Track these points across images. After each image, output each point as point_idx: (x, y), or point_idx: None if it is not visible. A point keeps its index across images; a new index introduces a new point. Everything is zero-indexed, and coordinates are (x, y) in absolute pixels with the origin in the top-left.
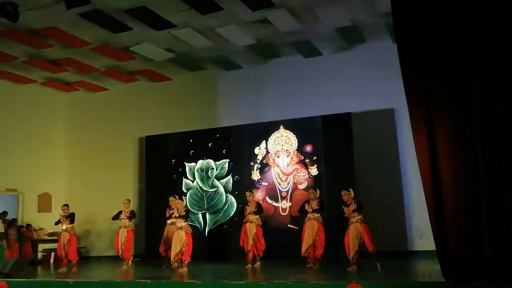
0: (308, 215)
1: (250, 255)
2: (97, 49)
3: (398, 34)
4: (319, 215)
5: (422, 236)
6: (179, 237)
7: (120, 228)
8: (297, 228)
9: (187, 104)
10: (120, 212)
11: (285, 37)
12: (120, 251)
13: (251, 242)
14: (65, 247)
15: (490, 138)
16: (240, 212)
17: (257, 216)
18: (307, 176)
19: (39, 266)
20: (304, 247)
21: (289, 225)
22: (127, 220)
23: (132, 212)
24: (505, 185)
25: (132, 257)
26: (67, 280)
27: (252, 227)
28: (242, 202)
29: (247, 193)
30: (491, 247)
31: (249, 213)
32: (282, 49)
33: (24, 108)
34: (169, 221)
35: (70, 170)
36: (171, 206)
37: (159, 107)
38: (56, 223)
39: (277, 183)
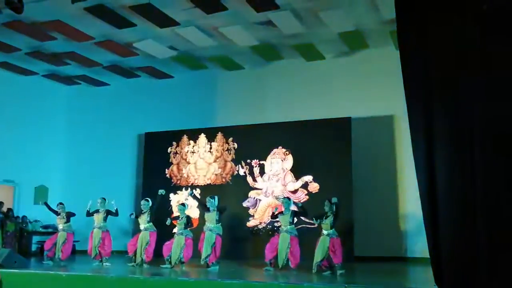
0: (282, 226)
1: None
2: (100, 44)
3: (400, 41)
4: (292, 226)
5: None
6: (178, 242)
7: (94, 228)
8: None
9: (187, 102)
10: (96, 211)
11: (288, 40)
12: (93, 253)
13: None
14: (62, 247)
15: (489, 147)
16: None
17: (219, 224)
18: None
19: (33, 257)
20: (280, 262)
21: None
22: (102, 220)
23: (108, 212)
24: (502, 195)
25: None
26: (60, 273)
27: (212, 236)
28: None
29: (207, 199)
30: (485, 256)
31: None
32: (285, 52)
33: (25, 100)
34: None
35: (68, 163)
36: (142, 211)
37: (159, 104)
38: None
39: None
